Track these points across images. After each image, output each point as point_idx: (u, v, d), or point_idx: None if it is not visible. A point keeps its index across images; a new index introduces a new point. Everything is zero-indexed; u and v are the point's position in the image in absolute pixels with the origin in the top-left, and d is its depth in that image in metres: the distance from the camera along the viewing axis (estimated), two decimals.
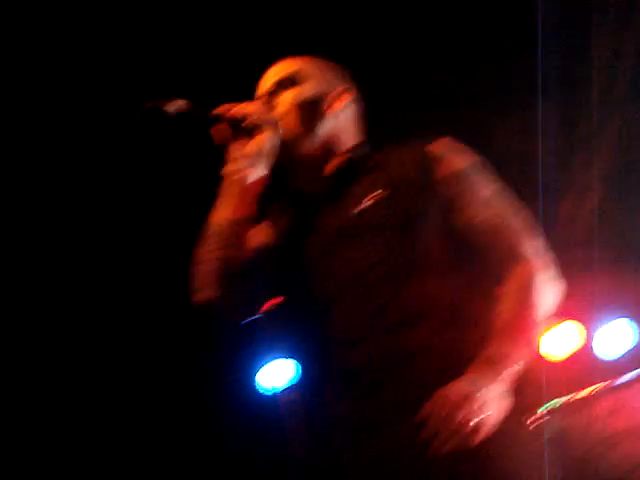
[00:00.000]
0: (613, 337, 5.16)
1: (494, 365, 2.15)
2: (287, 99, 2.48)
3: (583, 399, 5.40)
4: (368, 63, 4.16)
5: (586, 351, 5.25)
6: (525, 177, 4.88)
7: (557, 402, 5.29)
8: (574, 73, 4.68)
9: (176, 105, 2.30)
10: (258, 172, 2.39)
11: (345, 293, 2.33)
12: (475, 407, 2.06)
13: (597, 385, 5.33)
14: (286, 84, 2.50)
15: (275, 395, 5.61)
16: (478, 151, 2.47)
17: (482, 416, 2.06)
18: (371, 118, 2.64)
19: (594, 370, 5.25)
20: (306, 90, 2.50)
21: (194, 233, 2.43)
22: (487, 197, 2.37)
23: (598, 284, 5.15)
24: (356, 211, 2.38)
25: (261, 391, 5.65)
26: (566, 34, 4.47)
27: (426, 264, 2.31)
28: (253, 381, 5.65)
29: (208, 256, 2.36)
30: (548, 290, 2.29)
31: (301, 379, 5.39)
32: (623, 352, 5.16)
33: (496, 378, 2.13)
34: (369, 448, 2.28)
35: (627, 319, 5.15)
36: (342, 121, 2.54)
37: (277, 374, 5.56)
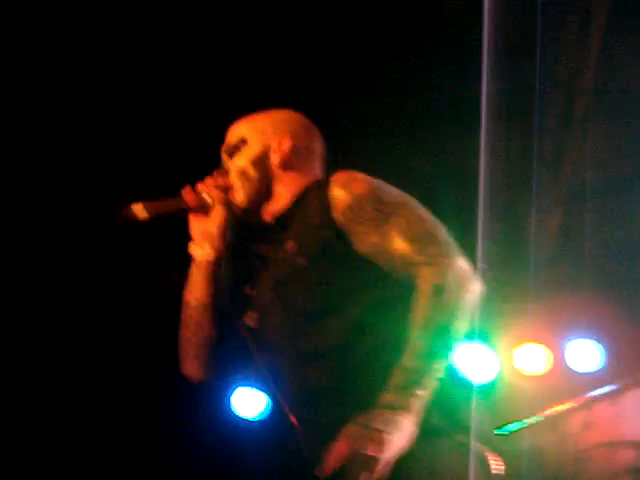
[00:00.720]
0: (582, 355, 5.19)
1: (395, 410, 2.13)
2: (234, 166, 2.51)
3: (556, 415, 5.46)
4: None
5: (558, 368, 5.27)
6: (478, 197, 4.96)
7: (531, 419, 5.35)
8: (530, 94, 4.71)
9: (143, 208, 2.42)
10: (218, 250, 2.50)
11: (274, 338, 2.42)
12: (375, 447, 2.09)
13: (569, 401, 5.40)
14: (234, 149, 2.53)
15: (250, 422, 5.63)
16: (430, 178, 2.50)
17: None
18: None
19: (566, 387, 5.29)
20: (251, 149, 2.51)
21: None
22: (375, 223, 2.30)
23: (566, 303, 5.20)
24: (278, 260, 2.44)
25: (237, 416, 5.66)
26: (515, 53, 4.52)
27: (331, 304, 2.34)
28: (228, 406, 5.66)
29: (184, 335, 2.50)
30: (452, 295, 2.19)
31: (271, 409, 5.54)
32: (591, 370, 5.20)
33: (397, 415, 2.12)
34: None
35: (593, 340, 5.18)
36: (287, 168, 2.52)
37: (249, 402, 5.59)
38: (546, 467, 5.31)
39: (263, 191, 2.50)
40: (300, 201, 2.46)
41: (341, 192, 2.34)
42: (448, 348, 2.19)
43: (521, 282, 5.13)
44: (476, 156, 3.84)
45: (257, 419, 5.63)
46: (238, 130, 2.56)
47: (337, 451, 2.12)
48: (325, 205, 2.35)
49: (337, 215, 2.32)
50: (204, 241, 2.48)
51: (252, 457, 5.61)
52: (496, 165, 4.54)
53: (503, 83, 4.23)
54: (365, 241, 2.29)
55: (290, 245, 2.39)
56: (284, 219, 2.47)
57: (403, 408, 2.11)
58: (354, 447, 2.08)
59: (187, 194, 2.49)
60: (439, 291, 2.18)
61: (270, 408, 5.56)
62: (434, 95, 4.77)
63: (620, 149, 4.89)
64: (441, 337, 2.17)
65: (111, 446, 5.68)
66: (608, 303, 5.03)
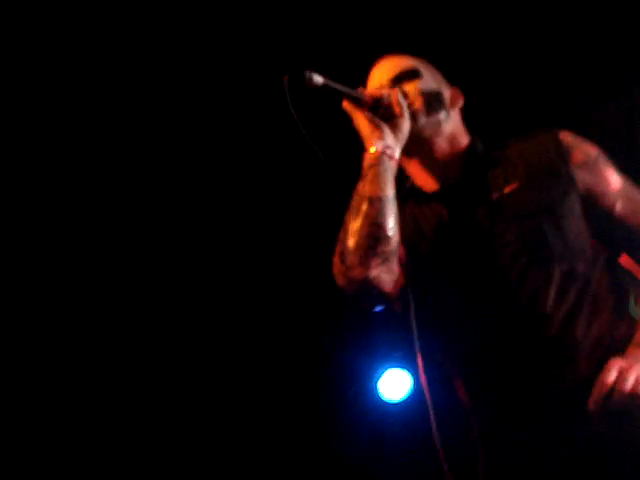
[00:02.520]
0: None
1: None
2: (413, 89, 2.50)
3: None
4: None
5: None
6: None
7: None
8: None
9: (321, 78, 2.31)
10: (399, 153, 2.42)
11: (497, 278, 2.33)
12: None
13: None
14: (408, 76, 2.52)
15: (397, 404, 5.61)
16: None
17: None
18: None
19: None
20: (429, 84, 2.54)
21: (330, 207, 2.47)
22: (621, 187, 2.42)
23: None
24: (497, 200, 2.39)
25: (383, 400, 5.64)
26: None
27: (577, 251, 2.33)
28: (375, 390, 5.65)
29: (359, 232, 2.32)
30: None
31: (415, 389, 5.51)
32: None
33: None
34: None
35: None
36: (458, 119, 2.59)
37: (395, 384, 5.56)
38: None
39: (439, 119, 2.51)
40: (496, 152, 2.51)
41: (585, 145, 2.47)
42: None
43: None
44: None
45: (402, 401, 5.60)
46: (406, 61, 2.57)
47: (608, 381, 2.12)
48: (561, 152, 2.43)
49: (579, 164, 2.42)
50: (393, 139, 2.39)
51: (397, 439, 5.60)
52: None
53: None
54: (612, 202, 2.42)
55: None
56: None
57: None
58: (628, 381, 2.11)
59: (369, 91, 2.44)
60: None
61: (415, 390, 5.54)
62: None
63: None
64: None
65: (258, 427, 5.74)
66: None
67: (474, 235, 2.37)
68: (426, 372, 2.44)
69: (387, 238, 2.30)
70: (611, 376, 2.11)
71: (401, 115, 2.40)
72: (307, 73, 2.27)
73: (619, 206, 2.39)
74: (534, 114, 4.61)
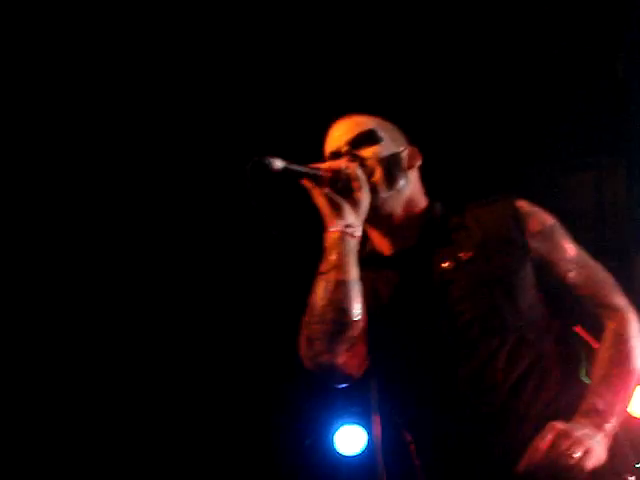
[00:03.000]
0: None
1: (593, 418, 2.21)
2: (373, 150, 2.47)
3: None
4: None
5: None
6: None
7: None
8: None
9: (280, 162, 2.30)
10: (360, 231, 2.39)
11: (449, 347, 2.34)
12: (578, 445, 2.15)
13: None
14: (367, 139, 2.49)
15: (352, 458, 5.61)
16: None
17: (581, 454, 2.14)
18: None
19: None
20: (387, 147, 2.51)
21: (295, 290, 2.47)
22: (575, 255, 2.44)
23: None
24: (452, 268, 2.39)
25: (338, 454, 5.65)
26: None
27: (530, 321, 2.35)
28: (330, 444, 5.65)
29: (326, 318, 2.31)
30: None
31: (369, 445, 5.52)
32: None
33: (596, 430, 2.19)
34: None
35: None
36: (416, 179, 2.57)
37: (350, 439, 5.57)
38: None
39: (395, 189, 2.48)
40: (455, 217, 2.51)
41: (542, 213, 2.49)
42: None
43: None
44: None
45: (357, 455, 5.61)
46: (364, 123, 2.54)
47: (541, 447, 2.15)
48: (518, 220, 2.45)
49: (534, 233, 2.44)
50: (353, 217, 2.36)
51: None
52: None
53: None
54: (567, 268, 2.43)
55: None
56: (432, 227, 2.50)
57: (602, 429, 2.21)
58: (560, 447, 2.14)
59: (327, 165, 2.41)
60: (632, 334, 2.36)
61: (369, 445, 5.55)
62: None
63: None
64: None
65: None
66: None
67: (426, 303, 2.39)
68: (383, 432, 2.45)
69: (354, 323, 2.30)
70: (545, 441, 2.15)
71: (360, 190, 2.37)
72: (267, 159, 2.27)
73: (572, 275, 2.41)
74: (500, 177, 4.66)
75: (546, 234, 2.43)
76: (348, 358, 2.33)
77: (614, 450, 2.26)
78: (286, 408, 5.61)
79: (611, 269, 2.49)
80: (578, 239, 2.51)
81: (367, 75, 4.53)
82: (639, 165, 4.68)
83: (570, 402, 2.29)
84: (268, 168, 2.27)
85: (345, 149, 2.47)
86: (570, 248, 2.44)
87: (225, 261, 5.25)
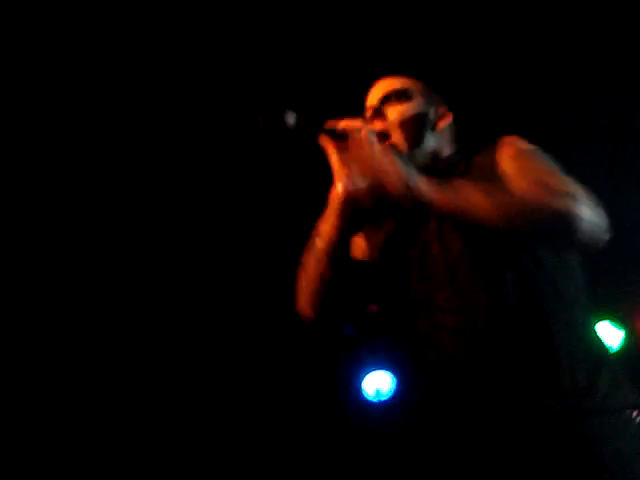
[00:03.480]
0: None
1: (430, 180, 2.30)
2: (400, 110, 2.55)
3: None
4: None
5: None
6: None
7: None
8: None
9: (294, 117, 2.32)
10: (361, 185, 2.40)
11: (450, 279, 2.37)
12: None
13: None
14: (398, 96, 2.57)
15: (380, 403, 5.66)
16: None
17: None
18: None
19: None
20: (417, 104, 2.58)
21: (301, 239, 2.49)
22: (536, 171, 2.37)
23: None
24: None
25: (367, 398, 5.70)
26: None
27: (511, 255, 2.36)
28: (359, 389, 5.70)
29: (309, 271, 2.42)
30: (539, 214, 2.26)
31: (397, 390, 5.58)
32: None
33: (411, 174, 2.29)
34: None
35: None
36: (444, 139, 2.62)
37: (378, 384, 5.62)
38: None
39: (419, 143, 2.53)
40: (464, 162, 2.53)
41: (518, 142, 2.45)
42: None
43: None
44: None
45: (385, 400, 5.66)
46: (399, 82, 2.61)
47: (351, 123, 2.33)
48: (496, 152, 2.44)
49: (505, 157, 2.42)
50: (342, 174, 2.39)
51: (382, 437, 5.65)
52: None
53: None
54: (517, 180, 2.36)
55: None
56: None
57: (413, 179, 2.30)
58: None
59: (343, 123, 2.42)
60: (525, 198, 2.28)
61: (396, 389, 5.60)
62: None
63: None
64: None
65: (239, 426, 5.78)
66: None
67: (422, 248, 2.44)
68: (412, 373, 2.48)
69: (337, 281, 2.39)
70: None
71: (367, 153, 2.36)
72: (282, 112, 2.29)
73: (519, 182, 2.36)
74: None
75: (515, 157, 2.42)
76: (330, 311, 2.46)
77: (616, 386, 2.27)
78: (314, 355, 5.64)
79: None
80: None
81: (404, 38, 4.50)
82: None
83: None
84: (283, 122, 2.29)
85: (376, 104, 2.57)
86: (533, 167, 2.38)
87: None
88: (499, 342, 2.28)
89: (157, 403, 5.70)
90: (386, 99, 2.57)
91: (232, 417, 5.76)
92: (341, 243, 2.41)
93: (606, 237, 2.29)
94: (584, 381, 2.25)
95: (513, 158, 2.41)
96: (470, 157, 2.55)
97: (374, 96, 2.60)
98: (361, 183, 2.36)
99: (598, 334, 2.43)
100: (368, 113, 2.58)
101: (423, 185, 2.28)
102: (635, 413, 2.28)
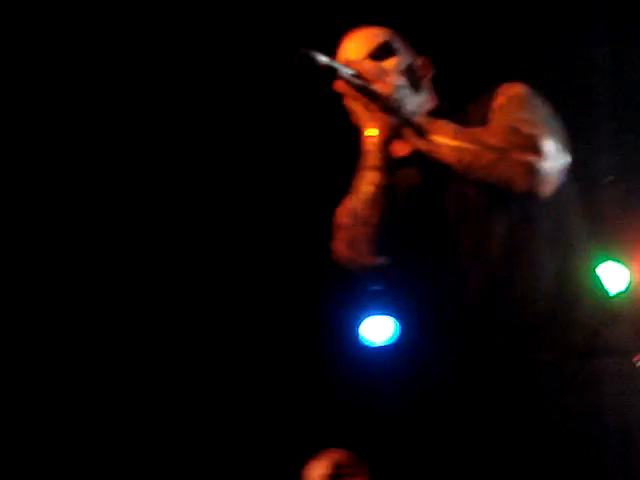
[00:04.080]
0: None
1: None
2: (391, 67, 2.45)
3: None
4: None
5: None
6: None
7: None
8: None
9: (325, 57, 2.25)
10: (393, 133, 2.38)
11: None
12: None
13: None
14: (385, 52, 2.49)
15: (378, 349, 5.66)
16: None
17: None
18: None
19: None
20: (404, 59, 2.51)
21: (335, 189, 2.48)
22: (513, 119, 2.33)
23: None
24: None
25: (364, 343, 5.70)
26: None
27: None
28: (356, 333, 5.70)
29: (372, 221, 2.37)
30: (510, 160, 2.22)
31: (401, 336, 5.57)
32: None
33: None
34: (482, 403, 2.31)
35: None
36: (428, 87, 2.58)
37: (378, 329, 5.62)
38: None
39: (414, 96, 2.45)
40: (458, 113, 2.47)
41: (510, 88, 2.41)
42: None
43: None
44: None
45: (386, 345, 5.66)
46: (380, 36, 2.53)
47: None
48: (491, 101, 2.41)
49: (496, 106, 2.39)
50: (371, 122, 2.35)
51: (382, 382, 5.66)
52: None
53: None
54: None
55: None
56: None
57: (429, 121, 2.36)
58: None
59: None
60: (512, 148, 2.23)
61: (399, 334, 5.60)
62: None
63: None
64: None
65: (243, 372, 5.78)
66: None
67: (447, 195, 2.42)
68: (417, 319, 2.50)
69: (375, 226, 2.36)
70: None
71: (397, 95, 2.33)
72: (312, 53, 2.22)
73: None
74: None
75: (502, 105, 2.39)
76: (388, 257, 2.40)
77: (620, 332, 2.28)
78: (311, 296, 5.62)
79: None
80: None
81: None
82: None
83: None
84: (314, 62, 2.22)
85: (367, 59, 2.46)
86: (516, 110, 2.35)
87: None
88: (503, 281, 2.30)
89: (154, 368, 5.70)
90: (375, 55, 2.48)
91: (221, 368, 5.77)
92: (386, 187, 2.37)
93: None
94: (584, 321, 2.26)
95: (500, 106, 2.38)
96: (465, 106, 2.51)
97: (358, 51, 2.49)
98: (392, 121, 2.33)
99: (598, 275, 2.43)
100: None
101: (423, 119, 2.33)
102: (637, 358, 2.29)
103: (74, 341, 5.52)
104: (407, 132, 2.35)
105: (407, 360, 4.90)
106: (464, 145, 2.24)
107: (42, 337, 5.46)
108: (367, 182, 2.36)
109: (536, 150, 2.19)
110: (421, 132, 2.32)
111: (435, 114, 2.46)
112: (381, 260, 2.38)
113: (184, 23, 4.29)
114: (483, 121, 2.38)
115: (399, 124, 2.33)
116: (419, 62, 2.56)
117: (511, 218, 2.32)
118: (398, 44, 2.53)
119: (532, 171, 2.19)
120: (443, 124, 2.32)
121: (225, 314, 5.65)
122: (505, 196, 2.29)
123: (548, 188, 2.22)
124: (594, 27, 4.55)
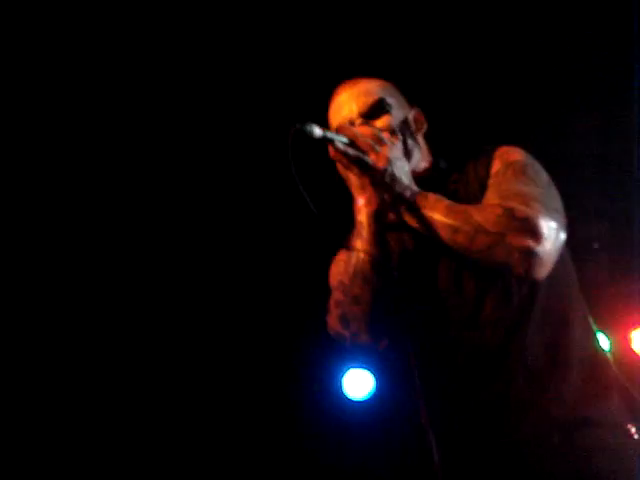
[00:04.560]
0: None
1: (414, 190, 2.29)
2: (385, 126, 2.43)
3: None
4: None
5: None
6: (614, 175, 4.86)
7: None
8: None
9: (319, 128, 2.23)
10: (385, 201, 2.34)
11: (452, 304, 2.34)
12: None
13: None
14: (377, 111, 2.45)
15: (360, 402, 5.64)
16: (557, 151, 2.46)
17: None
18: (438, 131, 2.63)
19: None
20: (397, 115, 2.47)
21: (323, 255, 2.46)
22: (516, 185, 2.29)
23: None
24: None
25: (347, 397, 5.68)
26: None
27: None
28: (339, 387, 5.68)
29: (365, 299, 2.30)
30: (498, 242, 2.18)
31: (378, 390, 5.56)
32: None
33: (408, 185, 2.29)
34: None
35: None
36: (423, 142, 2.55)
37: (358, 383, 5.60)
38: None
39: (411, 156, 2.45)
40: (456, 172, 2.46)
41: (508, 154, 2.38)
42: None
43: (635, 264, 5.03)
44: None
45: (365, 400, 5.63)
46: (373, 92, 2.49)
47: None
48: (490, 166, 2.37)
49: (494, 172, 2.36)
50: (364, 192, 2.30)
51: (360, 436, 5.63)
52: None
53: None
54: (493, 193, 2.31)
55: None
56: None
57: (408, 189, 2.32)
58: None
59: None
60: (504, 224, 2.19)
61: (377, 389, 5.58)
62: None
63: None
64: None
65: (224, 427, 5.74)
66: None
67: (430, 263, 2.37)
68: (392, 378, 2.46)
69: (363, 293, 2.31)
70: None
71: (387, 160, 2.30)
72: (309, 126, 2.19)
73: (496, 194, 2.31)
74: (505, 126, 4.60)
75: (500, 172, 2.34)
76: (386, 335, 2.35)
77: (614, 398, 2.26)
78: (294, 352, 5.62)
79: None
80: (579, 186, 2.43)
81: (360, 34, 4.49)
82: None
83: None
84: (309, 135, 2.19)
85: (359, 121, 2.44)
86: (516, 181, 2.29)
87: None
88: (504, 353, 2.26)
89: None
90: (367, 114, 2.45)
91: (202, 419, 5.71)
92: (381, 254, 2.31)
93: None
94: (589, 390, 2.25)
95: (497, 174, 2.34)
96: (465, 164, 2.46)
97: (350, 110, 2.46)
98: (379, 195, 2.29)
99: (600, 341, 2.42)
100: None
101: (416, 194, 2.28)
102: (633, 429, 2.26)
103: (68, 340, 5.47)
104: (399, 206, 2.30)
105: (386, 417, 4.91)
106: (457, 224, 2.19)
107: (42, 337, 5.42)
108: (357, 258, 2.29)
109: (533, 234, 2.14)
110: (413, 208, 2.26)
111: (432, 176, 2.45)
112: (377, 341, 2.34)
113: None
114: (482, 186, 2.34)
115: (391, 199, 2.28)
116: (413, 116, 2.51)
117: (504, 292, 2.28)
118: (391, 99, 2.48)
119: (529, 255, 2.13)
120: (435, 200, 2.25)
121: (204, 364, 5.63)
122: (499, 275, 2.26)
123: (545, 270, 2.18)
124: (586, 99, 4.64)
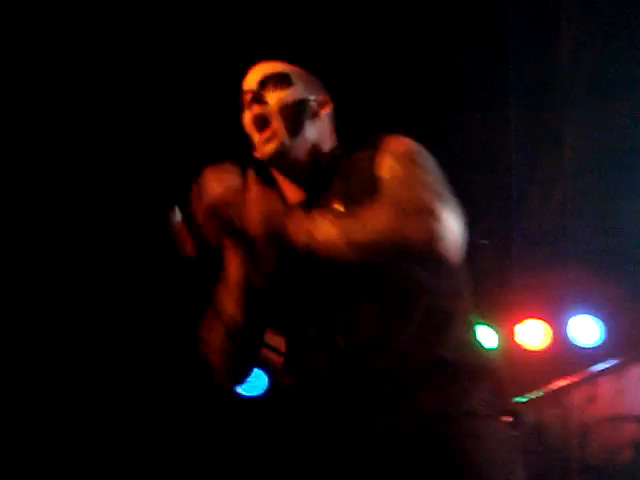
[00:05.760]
0: (582, 330, 5.20)
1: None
2: (280, 95, 2.45)
3: (559, 390, 5.48)
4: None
5: (560, 342, 5.27)
6: (495, 175, 4.99)
7: (534, 394, 5.37)
8: (540, 74, 4.74)
9: (179, 214, 2.26)
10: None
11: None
12: None
13: (571, 376, 5.42)
14: (279, 81, 2.47)
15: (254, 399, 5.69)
16: (448, 151, 2.49)
17: None
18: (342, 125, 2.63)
19: (568, 361, 5.30)
20: (298, 90, 2.48)
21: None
22: (407, 178, 2.28)
23: (567, 278, 5.21)
24: None
25: (240, 394, 5.71)
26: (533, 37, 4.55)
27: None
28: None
29: (219, 351, 2.35)
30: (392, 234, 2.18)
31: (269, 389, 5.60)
32: (591, 345, 5.20)
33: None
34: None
35: (592, 316, 5.20)
36: (325, 129, 2.53)
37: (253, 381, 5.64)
38: (548, 441, 5.34)
39: (298, 134, 2.44)
40: (342, 162, 2.45)
41: (395, 147, 2.36)
42: None
43: (522, 258, 5.16)
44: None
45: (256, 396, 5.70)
46: (279, 66, 2.51)
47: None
48: (376, 164, 2.35)
49: (382, 172, 2.32)
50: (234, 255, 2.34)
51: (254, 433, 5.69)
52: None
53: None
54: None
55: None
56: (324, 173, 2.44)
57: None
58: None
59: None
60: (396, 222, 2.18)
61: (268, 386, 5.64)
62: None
63: (616, 126, 4.89)
64: None
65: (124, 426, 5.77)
66: (608, 279, 5.04)
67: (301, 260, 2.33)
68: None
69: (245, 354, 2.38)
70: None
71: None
72: (172, 212, 2.25)
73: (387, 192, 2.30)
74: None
75: (391, 165, 2.33)
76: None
77: (485, 391, 2.27)
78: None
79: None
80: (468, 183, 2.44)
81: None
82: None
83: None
84: (171, 220, 2.26)
85: (255, 88, 2.44)
86: (405, 174, 2.29)
87: None
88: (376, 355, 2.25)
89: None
90: (265, 83, 2.45)
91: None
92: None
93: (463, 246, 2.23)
94: (464, 385, 2.25)
95: (389, 166, 2.32)
96: (351, 154, 2.46)
97: (252, 79, 2.48)
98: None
99: (478, 339, 2.41)
100: (246, 97, 2.45)
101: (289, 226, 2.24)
102: (506, 422, 2.29)
103: (60, 339, 5.51)
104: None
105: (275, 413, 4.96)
106: (355, 238, 2.19)
107: (41, 337, 5.46)
108: (217, 309, 2.35)
109: (434, 219, 2.14)
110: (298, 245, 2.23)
111: (328, 161, 2.46)
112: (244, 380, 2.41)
113: None
114: (370, 173, 2.33)
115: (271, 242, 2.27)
116: (316, 99, 2.51)
117: (385, 289, 2.28)
118: (298, 79, 2.49)
119: (438, 238, 2.12)
120: (320, 221, 2.23)
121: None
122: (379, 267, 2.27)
123: (456, 251, 2.17)
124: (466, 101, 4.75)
